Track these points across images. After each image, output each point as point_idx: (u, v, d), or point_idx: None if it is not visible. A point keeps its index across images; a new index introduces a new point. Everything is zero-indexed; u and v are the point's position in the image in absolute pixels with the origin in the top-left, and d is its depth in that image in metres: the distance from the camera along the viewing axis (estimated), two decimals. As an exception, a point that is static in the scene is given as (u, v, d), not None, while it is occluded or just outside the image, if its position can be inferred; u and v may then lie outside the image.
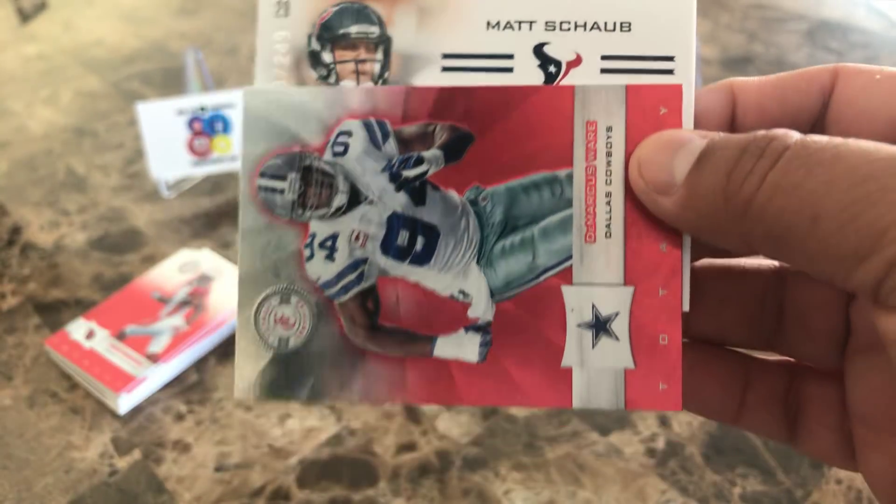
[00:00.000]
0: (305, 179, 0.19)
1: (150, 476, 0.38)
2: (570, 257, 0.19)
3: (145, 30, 0.84)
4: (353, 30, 0.19)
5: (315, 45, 0.19)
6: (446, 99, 0.19)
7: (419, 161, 0.19)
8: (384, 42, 0.19)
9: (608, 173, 0.19)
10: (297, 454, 0.39)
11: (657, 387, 0.19)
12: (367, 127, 0.19)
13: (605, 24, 0.19)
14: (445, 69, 0.19)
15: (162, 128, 0.56)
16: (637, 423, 0.39)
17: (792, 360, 0.20)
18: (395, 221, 0.19)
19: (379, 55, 0.19)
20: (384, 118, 0.19)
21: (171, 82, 0.74)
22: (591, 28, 0.19)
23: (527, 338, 0.19)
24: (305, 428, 0.40)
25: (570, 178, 0.19)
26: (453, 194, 0.19)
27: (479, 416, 0.40)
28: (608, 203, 0.19)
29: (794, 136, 0.15)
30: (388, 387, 0.20)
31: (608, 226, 0.19)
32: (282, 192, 0.19)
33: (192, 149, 0.56)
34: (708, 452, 0.38)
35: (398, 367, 0.20)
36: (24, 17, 0.90)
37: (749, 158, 0.15)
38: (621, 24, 0.19)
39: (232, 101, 0.57)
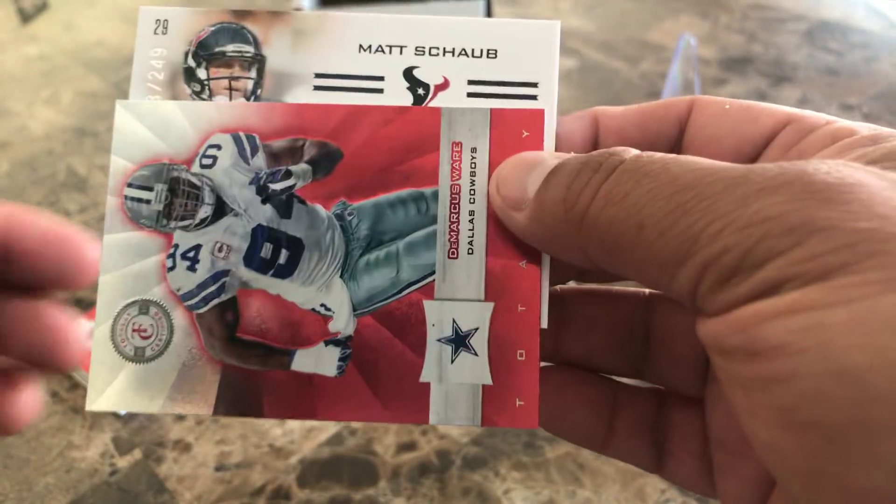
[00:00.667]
0: (172, 190, 0.20)
1: (151, 475, 0.38)
2: (433, 273, 0.19)
3: (146, 30, 0.84)
4: (229, 48, 0.19)
5: (191, 62, 0.20)
6: (317, 116, 0.20)
7: (287, 175, 0.20)
8: (258, 61, 0.19)
9: (472, 192, 0.19)
10: (297, 454, 0.39)
11: (514, 403, 0.19)
12: (237, 140, 0.20)
13: (473, 50, 0.19)
14: (318, 88, 0.20)
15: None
16: (637, 423, 0.40)
17: (659, 387, 0.20)
18: (259, 233, 0.20)
19: (252, 73, 0.19)
20: (254, 132, 0.20)
21: (171, 83, 0.74)
22: (459, 54, 0.19)
23: (387, 352, 0.19)
24: (306, 427, 0.40)
25: (435, 195, 0.19)
26: (320, 208, 0.20)
27: (479, 415, 0.40)
28: (471, 221, 0.19)
29: (631, 152, 0.15)
30: (244, 401, 0.19)
31: (471, 243, 0.19)
32: (148, 202, 0.20)
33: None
34: (707, 452, 0.38)
35: (255, 381, 0.19)
36: (25, 17, 0.90)
37: (587, 171, 0.15)
38: (488, 50, 0.20)
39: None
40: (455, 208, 0.19)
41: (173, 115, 0.20)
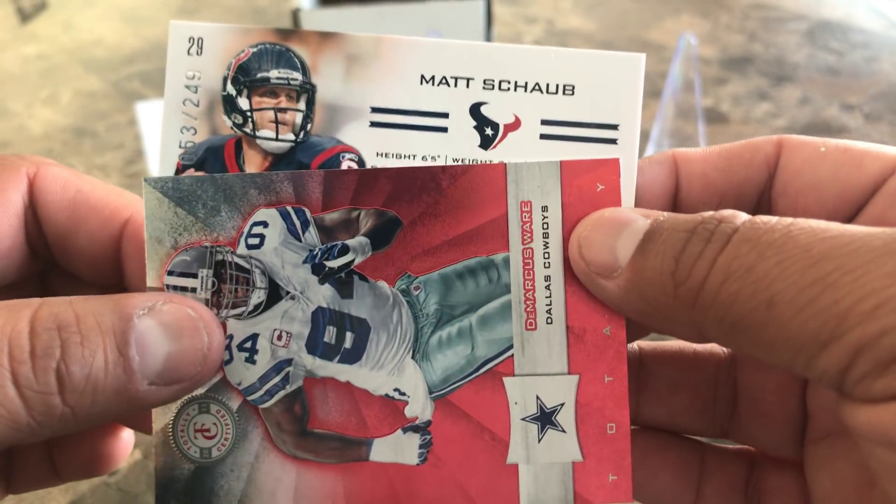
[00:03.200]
0: (219, 276, 0.18)
1: (150, 476, 0.38)
2: (510, 347, 0.18)
3: (145, 30, 0.84)
4: (273, 74, 0.17)
5: (230, 90, 0.17)
6: (370, 181, 0.17)
7: (344, 250, 0.18)
8: (308, 91, 0.17)
9: (546, 255, 0.18)
10: (297, 454, 0.39)
11: (607, 479, 0.18)
12: (284, 216, 0.18)
13: (547, 85, 0.17)
14: (375, 124, 0.17)
15: (162, 128, 0.56)
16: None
17: (749, 448, 0.19)
18: (320, 317, 0.18)
19: (301, 104, 0.17)
20: (302, 205, 0.18)
21: (170, 82, 0.74)
22: (532, 89, 0.17)
23: (470, 435, 0.18)
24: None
25: (506, 262, 0.18)
26: (383, 284, 0.18)
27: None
28: (548, 287, 0.18)
29: (742, 216, 0.14)
30: (323, 497, 0.18)
31: (549, 311, 0.18)
32: (193, 290, 0.18)
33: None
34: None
35: (333, 475, 0.18)
36: (24, 17, 0.90)
37: (697, 242, 0.14)
38: (564, 86, 0.17)
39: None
40: (529, 274, 0.18)
41: (209, 189, 0.18)
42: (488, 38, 0.65)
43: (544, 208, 0.18)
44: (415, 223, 0.18)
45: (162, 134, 0.17)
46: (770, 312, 0.12)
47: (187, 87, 0.17)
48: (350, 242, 0.18)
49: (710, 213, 0.15)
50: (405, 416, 0.18)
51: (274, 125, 0.17)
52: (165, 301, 0.16)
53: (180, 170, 0.18)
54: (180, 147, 0.17)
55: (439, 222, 0.18)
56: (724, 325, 0.13)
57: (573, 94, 0.18)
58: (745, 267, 0.13)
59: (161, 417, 0.18)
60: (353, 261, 0.18)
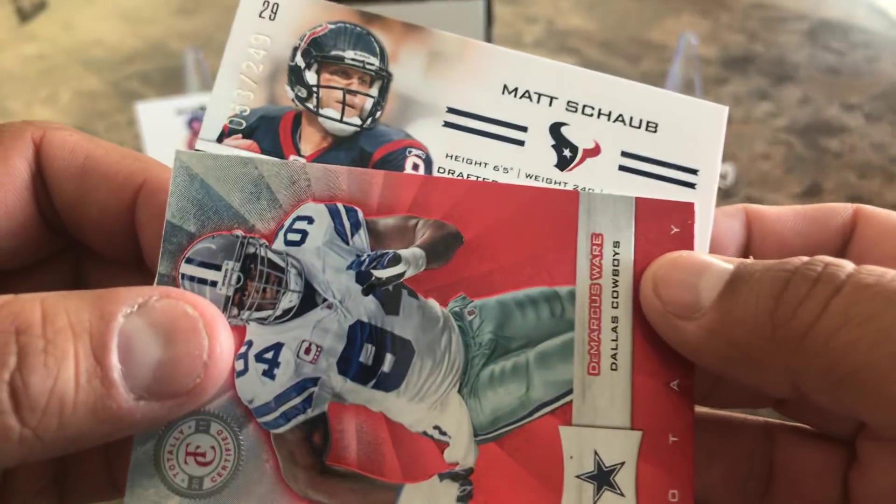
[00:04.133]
0: (246, 271, 0.16)
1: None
2: (570, 391, 0.16)
3: (145, 29, 0.84)
4: (349, 55, 0.16)
5: (299, 61, 0.16)
6: (433, 189, 0.16)
7: (395, 260, 0.16)
8: (383, 78, 0.16)
9: (615, 294, 0.16)
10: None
11: None
12: (334, 213, 0.16)
13: (631, 119, 0.17)
14: (448, 124, 0.16)
15: (161, 127, 0.56)
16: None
17: None
18: (358, 332, 0.16)
19: (374, 90, 0.16)
20: (355, 205, 0.16)
21: (170, 82, 0.73)
22: (616, 119, 0.17)
23: (516, 491, 0.16)
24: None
25: (571, 296, 0.16)
26: (434, 304, 0.16)
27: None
28: (614, 329, 0.16)
29: (850, 265, 0.13)
30: None
31: (614, 356, 0.16)
32: (213, 284, 0.16)
33: (191, 149, 0.56)
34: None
35: None
36: (24, 16, 0.90)
37: (803, 282, 0.13)
38: (648, 122, 0.17)
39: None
40: (595, 312, 0.16)
41: (253, 171, 0.15)
42: (488, 38, 0.65)
43: (616, 244, 0.16)
44: (477, 241, 0.16)
45: (213, 92, 0.16)
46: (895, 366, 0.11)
47: (252, 48, 0.16)
48: (403, 253, 0.16)
49: (806, 257, 0.14)
50: (444, 461, 0.16)
51: (340, 106, 0.16)
52: (161, 296, 0.13)
53: (226, 132, 0.16)
54: (231, 110, 0.16)
55: (503, 244, 0.16)
56: (832, 375, 0.12)
57: (656, 131, 0.17)
58: (867, 314, 0.12)
59: (145, 433, 0.16)
60: (403, 273, 0.16)
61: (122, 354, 0.13)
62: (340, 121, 0.16)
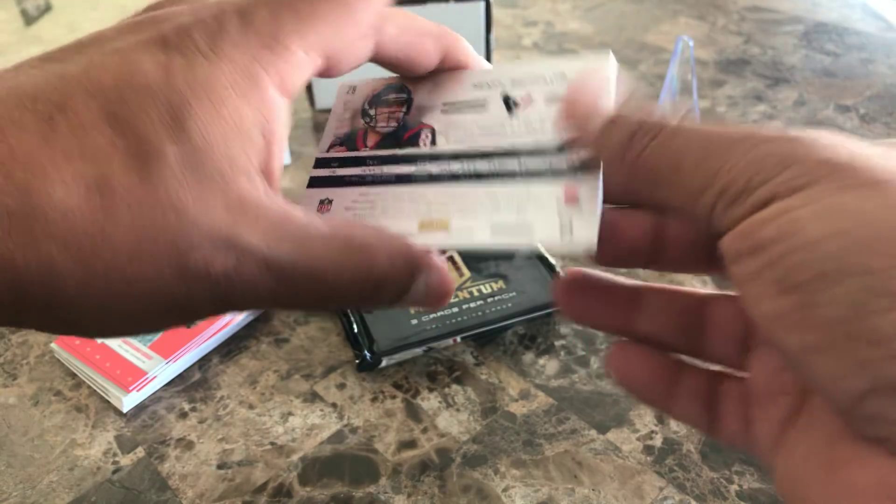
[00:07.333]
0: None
1: (154, 473, 0.39)
2: None
3: (147, 32, 0.85)
4: (392, 97, 0.27)
5: (366, 107, 0.27)
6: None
7: None
8: (409, 102, 0.26)
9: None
10: (298, 452, 0.39)
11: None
12: None
13: (546, 76, 0.24)
14: (443, 112, 0.25)
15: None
16: (635, 421, 0.40)
17: (713, 365, 0.24)
18: None
19: (404, 108, 0.26)
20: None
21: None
22: (538, 81, 0.25)
23: None
24: (307, 426, 0.41)
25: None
26: None
27: (478, 413, 0.41)
28: None
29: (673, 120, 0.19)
30: None
31: None
32: None
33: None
34: (705, 450, 0.38)
35: None
36: (29, 19, 0.90)
37: (645, 130, 0.19)
38: (560, 74, 0.24)
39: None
40: None
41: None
42: (488, 40, 0.66)
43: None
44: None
45: (325, 131, 0.27)
46: (677, 173, 0.18)
47: (343, 113, 0.27)
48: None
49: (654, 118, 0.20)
50: None
51: (386, 118, 0.26)
52: None
53: (335, 143, 0.26)
54: (335, 136, 0.27)
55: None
56: (648, 181, 0.19)
57: (564, 78, 0.24)
58: (668, 146, 0.19)
59: None
60: None
61: None
62: (386, 126, 0.26)
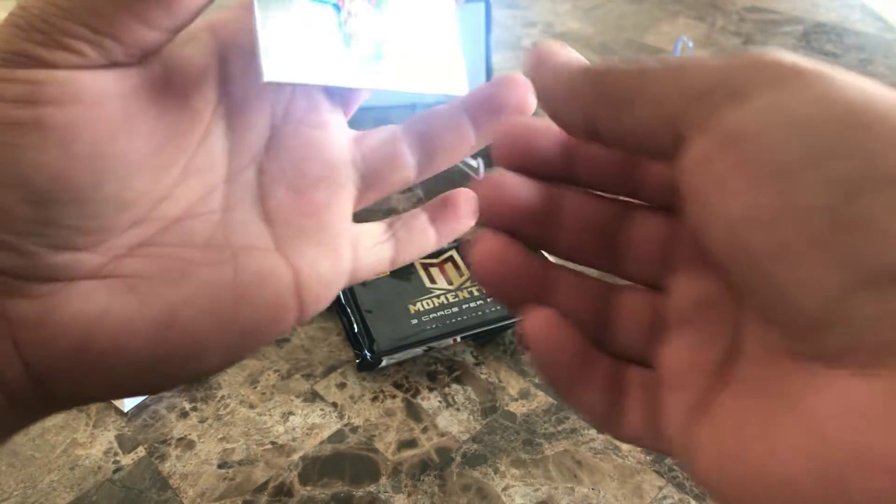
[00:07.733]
0: None
1: (155, 473, 0.39)
2: None
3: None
4: None
5: None
6: None
7: None
8: None
9: None
10: (299, 451, 0.39)
11: None
12: None
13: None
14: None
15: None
16: (634, 421, 0.40)
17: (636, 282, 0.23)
18: None
19: None
20: None
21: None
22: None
23: None
24: (308, 425, 0.41)
25: None
26: None
27: (478, 413, 0.41)
28: None
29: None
30: None
31: None
32: None
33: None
34: (704, 449, 0.38)
35: None
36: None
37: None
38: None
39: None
40: None
41: None
42: (488, 41, 0.66)
43: None
44: None
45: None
46: (630, 107, 0.18)
47: None
48: None
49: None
50: None
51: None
52: None
53: None
54: None
55: None
56: (608, 107, 0.19)
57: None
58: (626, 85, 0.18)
59: None
60: None
61: None
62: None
